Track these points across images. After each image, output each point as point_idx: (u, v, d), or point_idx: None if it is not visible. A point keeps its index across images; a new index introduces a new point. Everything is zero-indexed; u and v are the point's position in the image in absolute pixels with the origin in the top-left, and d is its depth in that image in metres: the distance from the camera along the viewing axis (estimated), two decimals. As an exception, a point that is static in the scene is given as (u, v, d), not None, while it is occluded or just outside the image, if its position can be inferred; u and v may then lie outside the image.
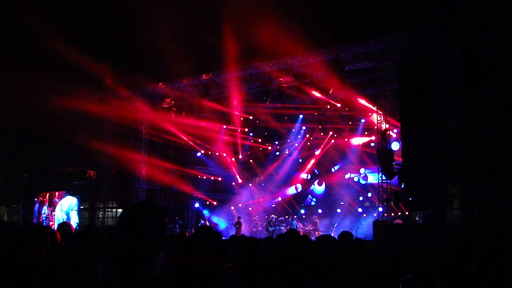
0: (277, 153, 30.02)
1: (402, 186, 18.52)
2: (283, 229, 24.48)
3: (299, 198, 29.12)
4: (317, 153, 28.38)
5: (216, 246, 5.79)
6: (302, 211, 28.22)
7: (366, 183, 26.16)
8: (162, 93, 25.49)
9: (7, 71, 20.86)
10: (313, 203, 28.68)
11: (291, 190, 29.62)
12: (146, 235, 2.68)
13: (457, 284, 5.48)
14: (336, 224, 24.37)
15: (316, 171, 29.05)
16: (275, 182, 29.75)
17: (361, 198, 26.36)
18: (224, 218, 28.77)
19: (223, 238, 9.00)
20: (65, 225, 6.74)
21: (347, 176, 26.94)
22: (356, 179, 26.77)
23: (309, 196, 29.04)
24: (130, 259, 2.64)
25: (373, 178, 23.62)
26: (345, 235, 7.04)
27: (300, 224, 24.71)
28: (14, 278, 4.02)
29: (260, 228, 26.19)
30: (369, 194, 25.75)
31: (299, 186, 29.42)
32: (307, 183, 29.26)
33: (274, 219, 25.16)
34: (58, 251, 4.80)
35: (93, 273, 3.62)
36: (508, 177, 17.07)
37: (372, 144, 24.60)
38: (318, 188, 28.78)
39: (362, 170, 26.46)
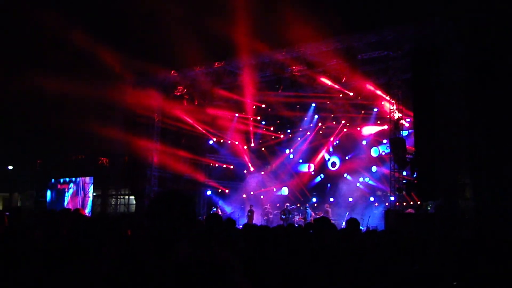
0: (289, 142, 29.92)
1: (414, 176, 18.48)
2: (296, 217, 24.61)
3: (312, 186, 29.04)
4: (330, 140, 28.34)
5: (227, 235, 5.80)
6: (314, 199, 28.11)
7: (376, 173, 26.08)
8: (175, 81, 25.51)
9: (19, 58, 20.98)
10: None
11: (304, 168, 29.58)
12: (170, 222, 2.72)
13: (469, 274, 5.48)
14: (347, 213, 24.32)
15: (329, 156, 28.94)
16: (287, 170, 29.76)
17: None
18: (235, 206, 28.81)
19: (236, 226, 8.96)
20: (67, 212, 6.56)
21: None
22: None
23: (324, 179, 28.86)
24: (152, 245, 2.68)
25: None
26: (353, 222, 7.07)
27: (313, 212, 24.76)
28: (16, 264, 4.06)
29: (271, 216, 26.15)
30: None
31: (312, 165, 29.27)
32: (320, 167, 29.14)
33: (288, 207, 25.17)
34: (69, 237, 4.83)
35: (103, 262, 3.65)
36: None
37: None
38: (331, 169, 28.64)
39: (374, 149, 26.31)
